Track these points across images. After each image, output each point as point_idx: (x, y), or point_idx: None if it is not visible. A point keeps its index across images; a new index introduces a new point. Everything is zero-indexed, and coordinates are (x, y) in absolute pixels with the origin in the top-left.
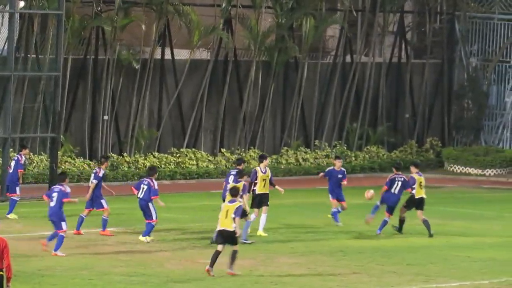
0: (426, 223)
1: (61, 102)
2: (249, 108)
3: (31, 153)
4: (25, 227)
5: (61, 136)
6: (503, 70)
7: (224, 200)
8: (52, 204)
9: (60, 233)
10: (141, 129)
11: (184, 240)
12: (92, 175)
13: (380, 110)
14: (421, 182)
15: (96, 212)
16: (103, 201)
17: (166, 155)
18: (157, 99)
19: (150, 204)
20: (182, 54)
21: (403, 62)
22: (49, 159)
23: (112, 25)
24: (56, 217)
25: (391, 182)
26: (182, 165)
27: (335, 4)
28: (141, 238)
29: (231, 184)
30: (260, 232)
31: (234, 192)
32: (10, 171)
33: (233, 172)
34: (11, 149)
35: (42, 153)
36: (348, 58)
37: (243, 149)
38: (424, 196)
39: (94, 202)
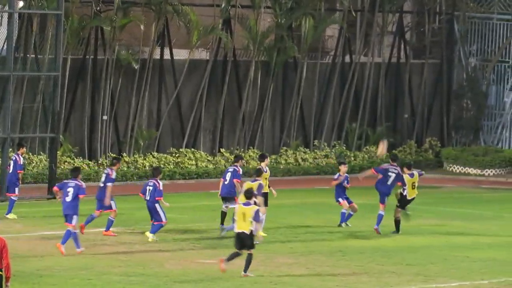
0: (398, 223)
1: (60, 102)
2: (248, 108)
3: (30, 153)
4: (24, 227)
5: (60, 136)
6: (502, 70)
7: (223, 199)
8: (68, 199)
9: (70, 228)
10: (140, 129)
11: (183, 240)
12: (104, 175)
13: (379, 110)
14: (413, 183)
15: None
16: (112, 203)
17: (165, 155)
18: (156, 99)
19: (157, 205)
20: (181, 54)
21: (402, 62)
22: (48, 159)
23: (111, 25)
24: (72, 211)
25: (385, 172)
26: (181, 165)
27: (334, 4)
28: (147, 234)
29: (246, 184)
30: (260, 232)
31: (249, 194)
32: (10, 171)
33: (230, 169)
34: (10, 149)
35: (41, 153)
36: (347, 58)
37: (242, 149)
38: (415, 196)
39: (98, 202)
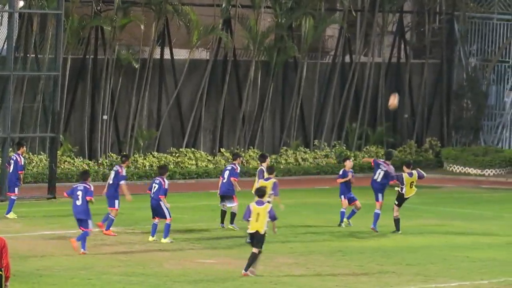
0: (398, 222)
1: (61, 102)
2: (248, 108)
3: (30, 153)
4: (24, 226)
5: (61, 136)
6: (502, 70)
7: (221, 198)
8: (79, 202)
9: (86, 231)
10: (141, 129)
11: (183, 240)
12: (113, 173)
13: (379, 110)
14: (412, 182)
15: (103, 211)
16: (116, 201)
17: (165, 155)
18: (157, 98)
19: (161, 203)
20: (181, 54)
21: (402, 62)
22: (48, 159)
23: (112, 25)
24: (84, 215)
25: (376, 166)
26: (181, 165)
27: (334, 4)
28: (163, 241)
29: (260, 182)
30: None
31: (261, 193)
32: (10, 171)
33: (228, 167)
34: (10, 149)
35: (41, 152)
36: (347, 58)
37: (242, 149)
38: (413, 194)
39: (108, 200)
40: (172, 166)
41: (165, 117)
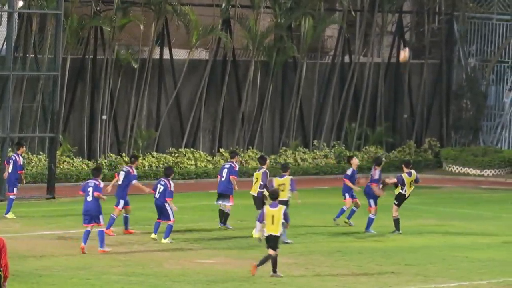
0: (397, 222)
1: (60, 102)
2: (247, 108)
3: (29, 153)
4: (23, 226)
5: (60, 136)
6: (502, 70)
7: (218, 196)
8: (89, 198)
9: (100, 228)
10: (140, 129)
11: (183, 240)
12: (123, 174)
13: (379, 110)
14: (411, 182)
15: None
16: (121, 201)
17: (164, 155)
18: (156, 99)
19: (166, 204)
20: (180, 54)
21: (402, 62)
22: (47, 159)
23: (111, 25)
24: (95, 211)
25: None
26: (181, 165)
27: (334, 4)
28: (163, 241)
29: (276, 181)
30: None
31: (274, 195)
32: (9, 171)
33: (227, 165)
34: (9, 149)
35: (40, 152)
36: (346, 58)
37: (241, 149)
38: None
39: (116, 199)
40: None
41: (164, 117)
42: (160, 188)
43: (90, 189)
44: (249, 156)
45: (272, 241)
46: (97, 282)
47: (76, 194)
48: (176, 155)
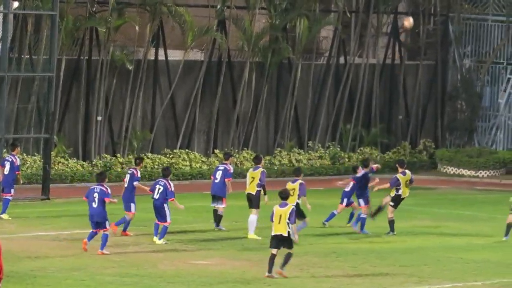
0: (392, 223)
1: (55, 103)
2: (242, 109)
3: (24, 154)
4: (18, 227)
5: (55, 137)
6: (497, 71)
7: (213, 197)
8: (95, 205)
9: (105, 232)
10: (135, 130)
11: (177, 241)
12: (128, 176)
13: (374, 111)
14: (407, 181)
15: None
16: (132, 205)
17: (159, 156)
18: (151, 100)
19: (165, 205)
20: (175, 55)
21: (397, 64)
22: (42, 160)
23: (106, 25)
24: (100, 218)
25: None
26: (176, 166)
27: (329, 5)
28: (157, 242)
29: (288, 185)
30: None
31: (285, 195)
32: (6, 172)
33: (221, 167)
34: (4, 150)
35: (35, 153)
36: (341, 59)
37: (236, 150)
38: (407, 195)
39: (124, 203)
40: None
41: (159, 118)
42: (159, 188)
43: (96, 195)
44: (244, 157)
45: (282, 241)
46: (92, 283)
47: (71, 195)
48: (171, 156)
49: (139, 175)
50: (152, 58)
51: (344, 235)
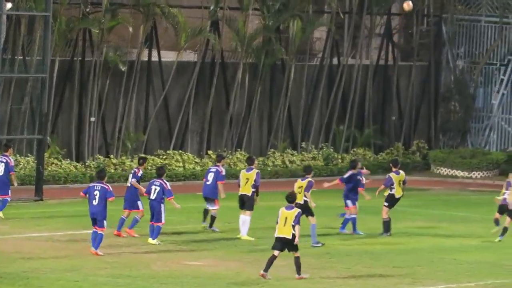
0: (387, 224)
1: (48, 104)
2: (235, 110)
3: (17, 155)
4: (11, 228)
5: (48, 138)
6: (490, 72)
7: (205, 199)
8: (95, 202)
9: (100, 231)
10: (128, 131)
11: (170, 242)
12: (131, 175)
13: (367, 112)
14: (400, 181)
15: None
16: (139, 203)
17: (152, 157)
18: (144, 101)
19: (162, 205)
20: (169, 56)
21: (390, 64)
22: (35, 161)
23: (99, 26)
24: (100, 216)
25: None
26: (169, 167)
27: (322, 6)
28: (150, 241)
29: (298, 182)
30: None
31: (291, 198)
32: (0, 173)
33: (213, 169)
34: None
35: (28, 154)
36: (335, 60)
37: (229, 151)
38: (402, 194)
39: (131, 203)
40: None
41: (153, 119)
42: (155, 189)
43: (97, 193)
44: (237, 158)
45: (284, 243)
46: (85, 284)
47: (64, 196)
48: (164, 157)
49: (139, 174)
50: (146, 59)
51: (337, 236)
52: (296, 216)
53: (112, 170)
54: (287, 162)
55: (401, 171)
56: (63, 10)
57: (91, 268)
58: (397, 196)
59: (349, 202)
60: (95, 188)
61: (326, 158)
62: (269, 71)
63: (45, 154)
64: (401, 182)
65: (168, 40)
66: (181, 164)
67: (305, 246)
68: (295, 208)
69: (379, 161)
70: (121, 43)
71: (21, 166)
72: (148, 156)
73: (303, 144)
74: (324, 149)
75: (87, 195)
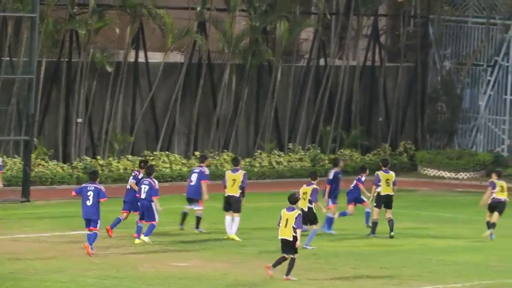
0: (390, 222)
1: (35, 105)
2: (222, 111)
3: (4, 156)
4: None
5: (35, 139)
6: (477, 73)
7: (188, 201)
8: (89, 203)
9: (95, 231)
10: (115, 132)
11: (157, 243)
12: (131, 177)
13: (354, 113)
14: (387, 179)
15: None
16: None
17: (139, 158)
18: (131, 102)
19: (153, 204)
20: (156, 57)
21: (377, 66)
22: (22, 162)
23: (86, 28)
24: (94, 216)
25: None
26: (156, 168)
27: (309, 7)
28: (143, 238)
29: (302, 188)
30: (233, 235)
31: (293, 199)
32: None
33: (196, 170)
34: None
35: (15, 156)
36: (322, 61)
37: (216, 152)
38: (391, 193)
39: (132, 204)
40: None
41: (140, 120)
42: (145, 188)
43: (91, 193)
44: (224, 159)
45: (288, 246)
46: (72, 285)
47: (51, 197)
48: (151, 158)
49: (139, 177)
50: (132, 60)
51: (324, 237)
52: (296, 218)
53: (99, 171)
54: (274, 163)
55: (391, 171)
56: (50, 11)
57: (78, 269)
58: (382, 193)
59: (330, 200)
60: (88, 188)
61: (313, 159)
62: (256, 72)
63: (32, 155)
64: (390, 182)
65: (155, 41)
66: (168, 165)
67: None
68: (296, 210)
69: (366, 162)
70: (108, 44)
71: (8, 167)
72: (136, 157)
73: (290, 145)
74: (311, 150)
75: (79, 195)
